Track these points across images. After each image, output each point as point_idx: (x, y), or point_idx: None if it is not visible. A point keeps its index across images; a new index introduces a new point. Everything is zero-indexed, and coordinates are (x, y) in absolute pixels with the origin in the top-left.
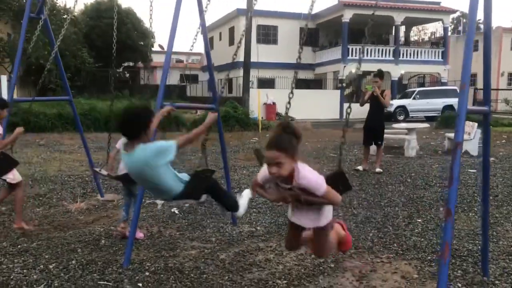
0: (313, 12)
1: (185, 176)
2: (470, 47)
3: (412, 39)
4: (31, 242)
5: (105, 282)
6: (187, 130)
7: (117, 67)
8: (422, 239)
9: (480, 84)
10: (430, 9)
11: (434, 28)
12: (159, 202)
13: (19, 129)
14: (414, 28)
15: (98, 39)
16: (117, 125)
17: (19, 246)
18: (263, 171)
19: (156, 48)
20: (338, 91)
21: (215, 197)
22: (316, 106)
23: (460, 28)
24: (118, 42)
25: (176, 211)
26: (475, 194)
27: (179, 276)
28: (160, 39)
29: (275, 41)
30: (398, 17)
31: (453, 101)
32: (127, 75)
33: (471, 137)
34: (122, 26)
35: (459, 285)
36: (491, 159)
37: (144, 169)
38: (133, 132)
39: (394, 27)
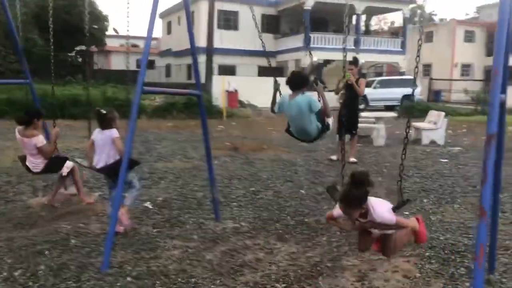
0: None
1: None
2: (503, 31)
3: (372, 28)
4: None
5: None
6: (147, 116)
7: (69, 51)
8: None
9: (434, 74)
10: None
11: (394, 18)
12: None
13: (56, 131)
14: (375, 18)
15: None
16: (288, 80)
17: None
18: (338, 209)
19: (110, 32)
20: None
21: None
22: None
23: (416, 18)
24: (70, 25)
25: (150, 206)
26: (454, 185)
27: (165, 281)
28: (114, 23)
29: (236, 27)
30: (360, 6)
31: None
32: (79, 59)
33: (438, 126)
34: (75, 8)
35: (467, 284)
36: (457, 148)
37: (300, 109)
38: (299, 86)
39: (355, 16)
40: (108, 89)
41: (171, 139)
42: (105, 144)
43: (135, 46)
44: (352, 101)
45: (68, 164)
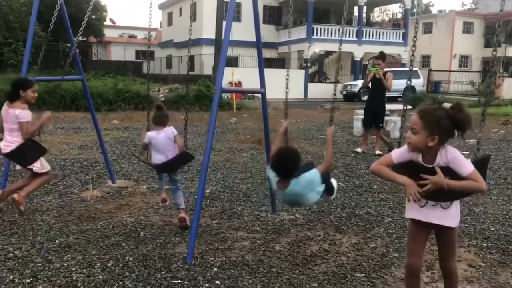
0: None
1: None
2: None
3: (374, 20)
4: (66, 236)
5: (180, 281)
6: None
7: (67, 42)
8: (466, 225)
9: (434, 65)
10: None
11: (396, 10)
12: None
13: (47, 114)
14: (377, 9)
15: (47, 11)
16: (276, 167)
17: (57, 241)
18: (399, 151)
19: (107, 22)
20: (303, 71)
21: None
22: (280, 86)
23: (414, 10)
24: (68, 16)
25: None
26: (486, 177)
27: (249, 271)
28: (112, 13)
29: (238, 18)
30: None
31: (414, 82)
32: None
33: None
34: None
35: None
36: (472, 140)
37: (296, 198)
38: (291, 175)
39: (357, 7)
40: (119, 81)
41: (191, 132)
42: (165, 143)
43: (133, 37)
44: (380, 95)
45: (44, 164)
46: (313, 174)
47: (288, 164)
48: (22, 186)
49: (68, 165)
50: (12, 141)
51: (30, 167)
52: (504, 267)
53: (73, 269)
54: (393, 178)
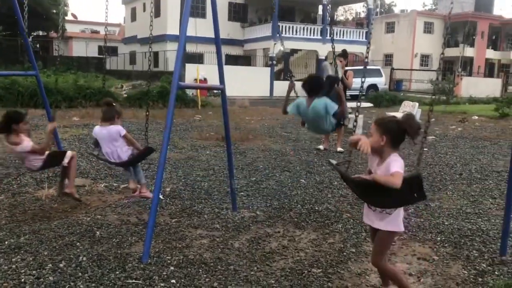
0: None
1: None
2: None
3: (338, 19)
4: (17, 237)
5: (134, 281)
6: (120, 105)
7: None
8: (422, 219)
9: (396, 64)
10: None
11: (359, 9)
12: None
13: (51, 126)
14: (340, 8)
15: (3, 5)
16: (305, 84)
17: (6, 242)
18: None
19: (69, 17)
20: (268, 69)
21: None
22: (246, 83)
23: (377, 9)
24: (26, 8)
25: (161, 196)
26: (442, 173)
27: (206, 269)
28: (74, 8)
29: (203, 15)
30: None
31: (377, 80)
32: (31, 44)
33: None
34: None
35: (484, 265)
36: (432, 137)
37: (317, 115)
38: (316, 93)
39: (321, 6)
40: (80, 77)
41: (153, 129)
42: (111, 139)
43: (95, 32)
44: None
45: (68, 154)
46: (329, 101)
47: (314, 82)
48: (62, 182)
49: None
50: (35, 160)
51: (62, 164)
52: (456, 260)
53: (22, 271)
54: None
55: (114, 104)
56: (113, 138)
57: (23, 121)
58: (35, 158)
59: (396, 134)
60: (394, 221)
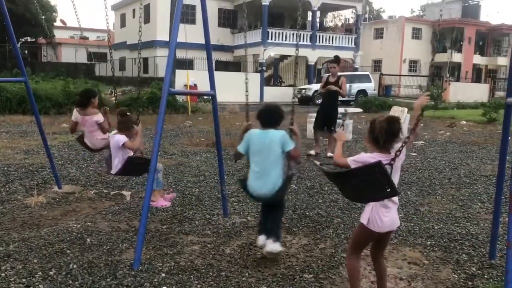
0: None
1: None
2: None
3: (327, 25)
4: (6, 245)
5: None
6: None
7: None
8: (412, 224)
9: (384, 69)
10: None
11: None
12: (126, 193)
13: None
14: (330, 14)
15: None
16: (263, 118)
17: None
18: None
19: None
20: (258, 74)
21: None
22: (236, 89)
23: (366, 15)
24: (15, 14)
25: (151, 203)
26: (431, 177)
27: (198, 275)
28: (62, 14)
29: (193, 21)
30: (315, 3)
31: (366, 86)
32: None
33: (402, 121)
34: None
35: (474, 269)
36: (421, 142)
37: (269, 144)
38: (273, 124)
39: (311, 12)
40: (69, 84)
41: (143, 135)
42: (115, 147)
43: (84, 38)
44: (334, 99)
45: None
46: (288, 136)
47: (272, 113)
48: None
49: (12, 170)
50: (99, 140)
51: None
52: (446, 264)
53: (12, 279)
54: None
55: (128, 113)
56: (116, 146)
57: (97, 96)
58: (102, 138)
59: (376, 134)
60: (364, 213)
